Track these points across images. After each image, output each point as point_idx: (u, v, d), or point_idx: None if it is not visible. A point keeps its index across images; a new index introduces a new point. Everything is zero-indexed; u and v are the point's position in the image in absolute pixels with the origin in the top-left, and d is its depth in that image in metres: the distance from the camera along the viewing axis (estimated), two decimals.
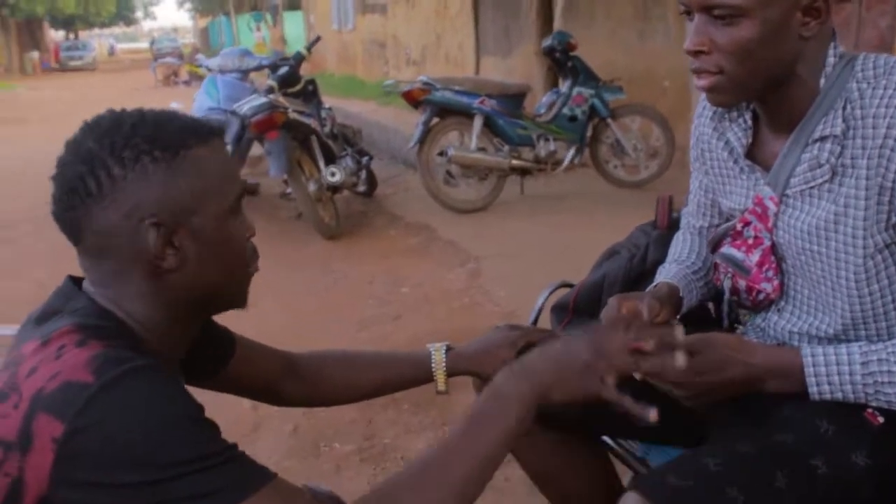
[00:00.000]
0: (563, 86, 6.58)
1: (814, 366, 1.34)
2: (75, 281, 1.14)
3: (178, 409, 0.97)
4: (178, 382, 1.07)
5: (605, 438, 1.80)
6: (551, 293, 2.57)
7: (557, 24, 9.13)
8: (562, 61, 6.50)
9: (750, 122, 1.50)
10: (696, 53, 1.35)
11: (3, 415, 0.98)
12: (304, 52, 6.23)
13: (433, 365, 1.52)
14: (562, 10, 9.43)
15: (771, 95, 1.40)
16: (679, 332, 1.33)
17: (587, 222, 5.75)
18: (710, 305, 1.98)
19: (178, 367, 1.21)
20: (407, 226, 6.13)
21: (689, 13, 1.36)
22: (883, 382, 1.31)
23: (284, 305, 4.55)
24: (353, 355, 1.56)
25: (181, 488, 0.94)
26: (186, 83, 20.10)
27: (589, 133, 6.53)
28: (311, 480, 2.72)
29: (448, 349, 1.53)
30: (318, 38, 6.50)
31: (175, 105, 7.28)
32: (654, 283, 1.68)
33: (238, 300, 1.19)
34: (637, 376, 1.38)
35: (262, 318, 4.30)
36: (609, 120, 6.47)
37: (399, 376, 1.53)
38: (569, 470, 1.72)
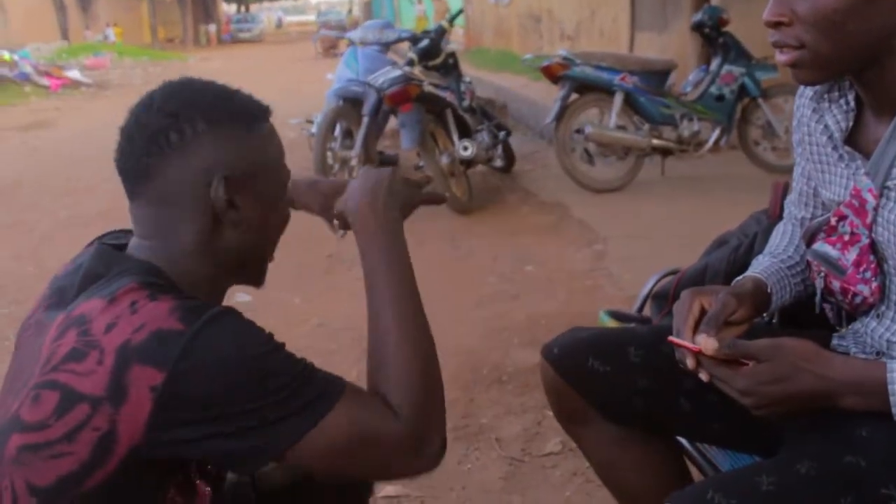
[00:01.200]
0: (713, 63, 6.29)
1: None
2: (112, 245, 1.16)
3: (263, 339, 1.03)
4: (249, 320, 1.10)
5: (681, 440, 1.69)
6: (658, 280, 2.47)
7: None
8: (712, 37, 6.22)
9: (853, 104, 1.35)
10: (775, 25, 1.22)
11: (87, 372, 0.99)
12: (445, 24, 6.22)
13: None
14: None
15: (868, 73, 1.25)
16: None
17: (729, 207, 5.45)
18: (827, 306, 1.83)
19: None
20: (540, 203, 6.04)
21: None
22: None
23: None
24: None
25: (286, 405, 1.01)
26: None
27: (738, 113, 6.24)
28: None
29: None
30: (460, 11, 6.47)
31: (330, 76, 7.42)
32: (741, 277, 1.55)
33: (258, 276, 1.25)
34: (703, 377, 1.28)
35: None
36: (760, 100, 6.15)
37: None
38: (633, 465, 1.63)
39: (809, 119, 1.44)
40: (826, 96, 1.38)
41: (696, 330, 1.35)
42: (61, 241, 5.54)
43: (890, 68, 1.23)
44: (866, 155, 1.32)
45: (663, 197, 5.92)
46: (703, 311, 1.39)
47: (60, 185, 7.28)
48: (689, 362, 1.30)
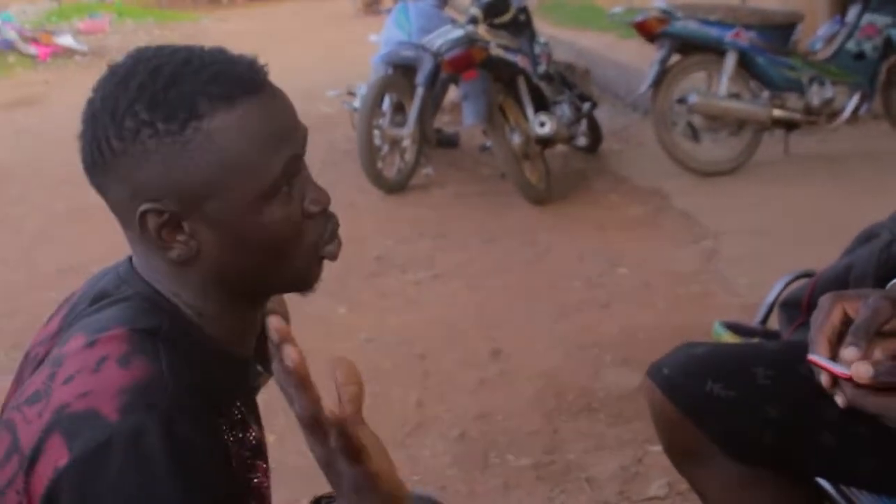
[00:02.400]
0: (850, 13, 6.22)
1: None
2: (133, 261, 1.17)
3: (187, 488, 0.97)
4: (207, 436, 1.04)
5: (822, 482, 1.69)
6: (787, 285, 2.47)
7: None
8: None
9: None
10: None
11: (30, 420, 1.03)
12: None
13: None
14: None
15: None
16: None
17: (873, 193, 5.41)
18: None
19: (253, 358, 1.22)
20: (633, 190, 6.03)
21: None
22: None
23: (473, 283, 4.62)
24: None
25: None
26: (390, 12, 20.63)
27: (882, 75, 6.17)
28: (474, 498, 2.77)
29: None
30: None
31: (374, 38, 7.48)
32: None
33: (297, 283, 1.16)
34: (839, 401, 1.28)
35: (445, 297, 4.42)
36: None
37: None
38: None
39: None
40: None
41: (836, 344, 1.35)
42: (59, 240, 5.69)
43: None
44: None
45: (787, 181, 5.86)
46: (846, 320, 1.38)
47: (55, 172, 7.43)
48: (824, 380, 1.30)
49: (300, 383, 0.92)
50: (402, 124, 5.98)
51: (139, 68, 1.05)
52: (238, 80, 1.06)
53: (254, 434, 1.15)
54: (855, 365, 1.22)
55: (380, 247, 5.02)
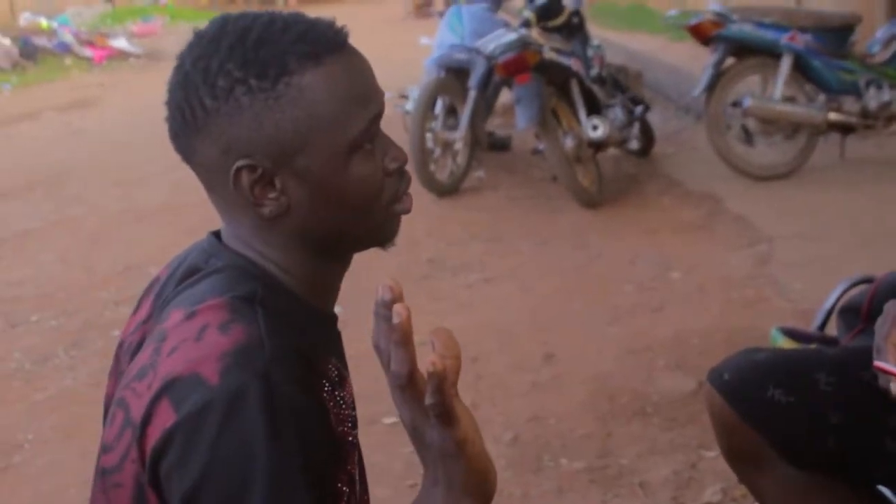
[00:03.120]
0: None
1: None
2: (217, 234, 1.21)
3: (266, 459, 0.99)
4: (307, 396, 1.06)
5: (883, 489, 1.69)
6: (846, 291, 2.46)
7: None
8: None
9: None
10: None
11: (141, 393, 1.07)
12: None
13: None
14: None
15: None
16: None
17: None
18: None
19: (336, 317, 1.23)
20: (686, 194, 6.02)
21: None
22: None
23: (525, 286, 4.64)
24: None
25: None
26: (442, 14, 20.67)
27: None
28: (528, 500, 2.78)
29: None
30: None
31: (425, 41, 7.52)
32: None
33: (376, 238, 1.18)
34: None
35: (497, 301, 4.44)
36: None
37: None
38: None
39: None
40: None
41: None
42: (114, 241, 5.80)
43: None
44: None
45: (843, 185, 5.83)
46: None
47: (110, 174, 7.59)
48: (894, 387, 1.31)
49: (402, 339, 0.98)
50: (454, 127, 6.01)
51: (227, 30, 1.10)
52: (323, 38, 1.10)
53: (349, 390, 1.17)
54: None
55: (432, 250, 5.05)
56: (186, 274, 1.17)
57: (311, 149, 1.09)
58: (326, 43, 1.10)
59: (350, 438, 1.13)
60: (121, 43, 17.28)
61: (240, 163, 1.08)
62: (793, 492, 1.63)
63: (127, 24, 21.42)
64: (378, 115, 1.13)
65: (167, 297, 1.18)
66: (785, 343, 2.46)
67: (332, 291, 1.21)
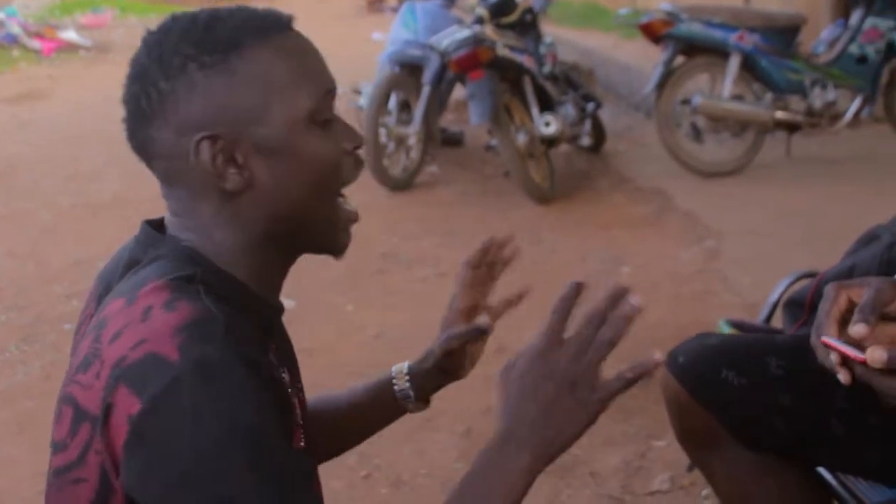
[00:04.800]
0: (853, 16, 6.27)
1: None
2: (153, 225, 1.22)
3: (250, 417, 1.01)
4: (267, 362, 1.11)
5: (822, 471, 1.74)
6: (790, 284, 2.52)
7: None
8: None
9: None
10: None
11: (88, 384, 1.07)
12: None
13: (396, 386, 1.49)
14: None
15: None
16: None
17: (874, 195, 5.46)
18: None
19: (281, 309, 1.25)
20: (637, 190, 6.09)
21: None
22: None
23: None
24: (324, 402, 1.52)
25: None
26: (395, 10, 20.65)
27: (884, 79, 6.24)
28: None
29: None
30: None
31: (377, 36, 7.54)
32: None
33: (330, 239, 1.21)
34: (843, 378, 1.33)
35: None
36: None
37: (384, 411, 1.51)
38: (770, 499, 1.68)
39: None
40: None
41: (843, 327, 1.40)
42: (65, 234, 5.74)
43: None
44: None
45: (789, 182, 5.92)
46: (850, 307, 1.43)
47: (61, 167, 7.50)
48: (835, 359, 1.36)
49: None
50: (408, 122, 6.04)
51: (177, 18, 1.15)
52: (269, 18, 1.16)
53: (286, 376, 1.19)
54: (870, 350, 1.28)
55: (386, 244, 5.07)
56: (128, 266, 1.18)
57: (268, 119, 1.12)
58: (273, 22, 1.15)
59: (294, 417, 1.16)
60: (70, 35, 17.04)
61: (199, 135, 1.10)
62: (742, 472, 1.68)
63: (76, 15, 21.11)
64: (330, 91, 1.17)
65: (109, 290, 1.18)
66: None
67: (277, 285, 1.23)
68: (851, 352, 1.30)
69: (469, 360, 1.44)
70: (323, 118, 1.16)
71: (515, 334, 3.93)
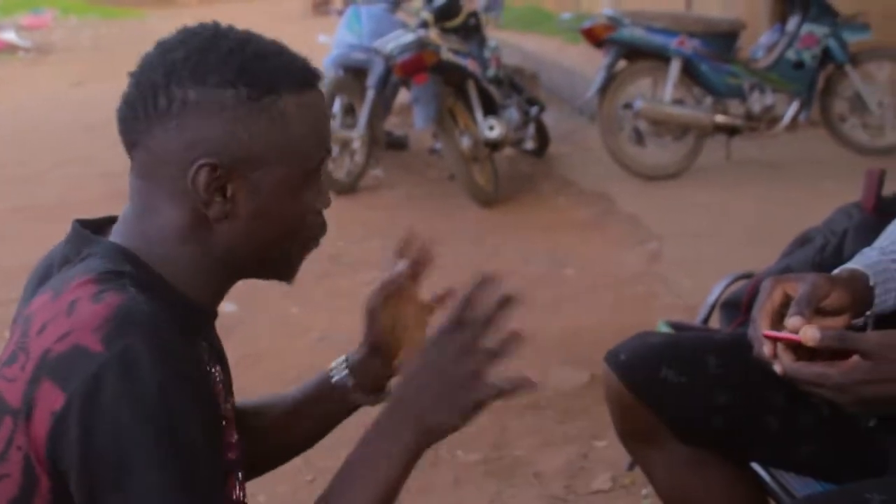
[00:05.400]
0: (790, 22, 6.38)
1: None
2: (86, 224, 1.21)
3: (167, 416, 1.02)
4: (194, 356, 1.12)
5: (755, 466, 1.78)
6: (728, 286, 2.57)
7: None
8: None
9: None
10: None
11: (13, 378, 1.06)
12: None
13: (333, 376, 1.46)
14: None
15: None
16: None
17: (810, 197, 5.55)
18: None
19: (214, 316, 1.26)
20: (580, 194, 6.14)
21: None
22: None
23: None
24: (270, 404, 1.51)
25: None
26: (340, 13, 20.60)
27: (820, 83, 6.34)
28: (425, 493, 2.83)
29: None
30: None
31: (323, 39, 7.51)
32: (837, 269, 1.63)
33: (284, 273, 1.24)
34: (777, 369, 1.37)
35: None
36: (848, 67, 6.24)
37: (328, 405, 1.47)
38: (707, 497, 1.72)
39: None
40: None
41: (777, 321, 1.44)
42: (8, 238, 5.65)
43: None
44: None
45: (728, 185, 6.01)
46: (786, 301, 1.47)
47: (2, 171, 7.40)
48: (767, 349, 1.40)
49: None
50: (352, 126, 6.04)
51: (226, 36, 1.14)
52: (307, 71, 1.17)
53: (218, 373, 1.20)
54: (803, 329, 1.32)
55: (331, 247, 5.05)
56: (60, 266, 1.17)
57: (272, 167, 1.14)
58: (309, 76, 1.17)
59: (223, 412, 1.18)
60: (9, 36, 16.81)
61: (203, 160, 1.10)
62: (681, 467, 1.70)
63: (16, 16, 20.82)
64: (329, 154, 1.21)
65: (32, 289, 1.18)
66: None
67: (217, 297, 1.23)
68: (788, 335, 1.35)
69: (406, 342, 1.41)
70: (315, 177, 1.19)
71: None
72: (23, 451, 1.05)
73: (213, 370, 1.19)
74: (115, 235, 1.18)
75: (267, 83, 1.12)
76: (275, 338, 3.95)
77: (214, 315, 1.24)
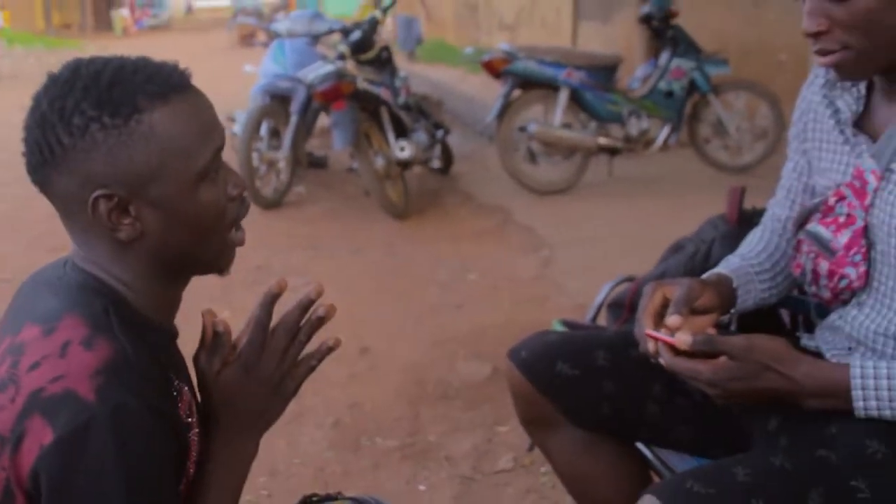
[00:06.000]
0: (661, 57, 6.50)
1: (862, 378, 1.34)
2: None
3: (147, 471, 1.03)
4: (168, 402, 1.11)
5: (640, 445, 1.82)
6: (612, 288, 2.60)
7: None
8: (660, 30, 6.44)
9: (863, 92, 1.51)
10: (815, 35, 1.37)
11: (1, 406, 1.03)
12: (378, 15, 6.31)
13: None
14: None
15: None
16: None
17: (680, 209, 5.68)
18: (785, 314, 1.97)
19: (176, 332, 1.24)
20: (481, 207, 6.18)
21: None
22: None
23: (343, 288, 4.63)
24: None
25: None
26: (265, 44, 20.47)
27: (687, 110, 6.47)
28: (348, 477, 2.81)
29: None
30: (393, 2, 6.55)
31: (249, 68, 7.42)
32: (707, 273, 1.68)
33: (216, 263, 1.20)
34: (662, 361, 1.41)
35: (321, 302, 4.41)
36: (710, 96, 6.39)
37: None
38: (598, 473, 1.76)
39: (818, 105, 1.59)
40: (839, 85, 1.54)
41: (658, 321, 1.49)
42: None
43: None
44: (872, 138, 1.48)
45: (611, 199, 6.11)
46: (665, 303, 1.52)
47: None
48: (650, 347, 1.44)
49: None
50: (278, 148, 5.98)
51: (81, 73, 1.08)
52: (169, 79, 1.10)
53: (186, 398, 1.18)
54: (678, 335, 1.37)
55: (259, 258, 5.00)
56: (41, 288, 1.15)
57: (163, 178, 1.09)
58: (173, 83, 1.10)
59: (191, 438, 1.17)
60: None
61: (97, 192, 1.07)
62: (575, 449, 1.74)
63: None
64: (221, 147, 1.15)
65: (21, 310, 1.15)
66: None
67: (173, 308, 1.22)
68: (665, 337, 1.40)
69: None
70: (213, 171, 1.13)
71: (376, 336, 3.94)
72: (5, 472, 1.03)
73: (180, 388, 1.16)
74: (79, 260, 1.15)
75: (128, 106, 1.06)
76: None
77: (176, 333, 1.22)
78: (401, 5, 14.56)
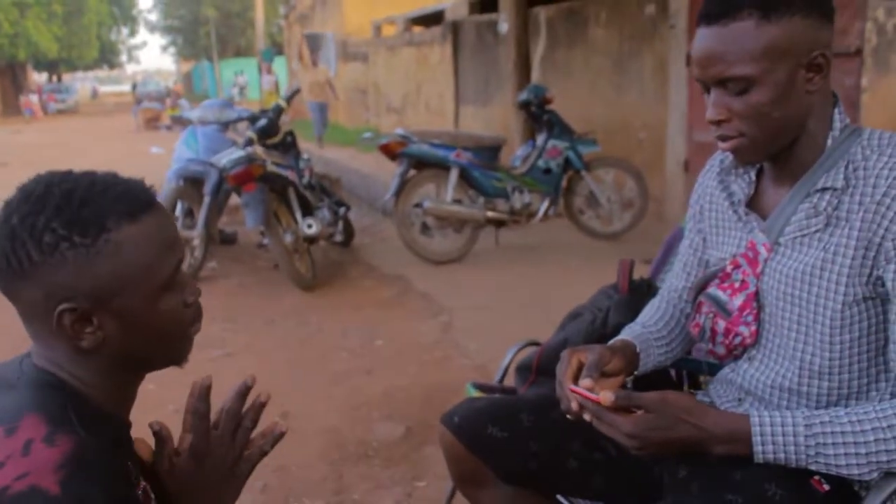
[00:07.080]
0: (539, 138, 6.70)
1: (760, 425, 1.41)
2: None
3: None
4: (132, 488, 1.08)
5: (560, 497, 1.86)
6: (518, 351, 2.65)
7: (535, 76, 9.32)
8: (537, 114, 6.63)
9: (754, 177, 1.62)
10: (717, 123, 1.47)
11: None
12: (282, 103, 6.32)
13: None
14: (540, 62, 9.62)
15: (783, 151, 1.52)
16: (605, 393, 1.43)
17: (561, 273, 5.85)
18: (672, 371, 2.08)
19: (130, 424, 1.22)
20: (382, 276, 6.19)
21: (706, 88, 1.48)
22: (825, 444, 1.38)
23: (260, 358, 4.58)
24: None
25: None
26: (168, 128, 20.21)
27: (563, 185, 6.67)
28: None
29: None
30: (297, 90, 6.59)
31: (155, 150, 7.33)
32: (613, 340, 1.75)
33: (176, 359, 1.20)
34: (587, 417, 1.46)
35: (238, 371, 4.34)
36: (583, 172, 6.60)
37: None
38: None
39: (714, 189, 1.70)
40: (733, 171, 1.66)
41: (574, 383, 1.54)
42: None
43: (801, 146, 1.50)
44: (763, 217, 1.59)
45: (499, 266, 6.21)
46: (580, 366, 1.58)
47: None
48: (574, 405, 1.49)
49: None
50: (192, 227, 5.89)
51: (53, 191, 1.07)
52: (137, 199, 1.09)
53: (143, 484, 1.16)
54: (602, 393, 1.43)
55: None
56: (2, 386, 1.11)
57: (126, 292, 1.08)
58: (140, 203, 1.09)
59: None
60: None
61: (62, 306, 1.06)
62: (499, 497, 1.77)
63: None
64: (181, 260, 1.15)
65: None
66: (476, 394, 2.62)
67: (129, 402, 1.20)
68: (591, 395, 1.46)
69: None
70: (173, 282, 1.13)
71: (295, 401, 3.89)
72: None
73: (138, 478, 1.14)
74: (37, 359, 1.12)
75: (96, 226, 1.05)
76: (134, 410, 3.76)
77: (130, 425, 1.20)
78: (312, 92, 14.60)
